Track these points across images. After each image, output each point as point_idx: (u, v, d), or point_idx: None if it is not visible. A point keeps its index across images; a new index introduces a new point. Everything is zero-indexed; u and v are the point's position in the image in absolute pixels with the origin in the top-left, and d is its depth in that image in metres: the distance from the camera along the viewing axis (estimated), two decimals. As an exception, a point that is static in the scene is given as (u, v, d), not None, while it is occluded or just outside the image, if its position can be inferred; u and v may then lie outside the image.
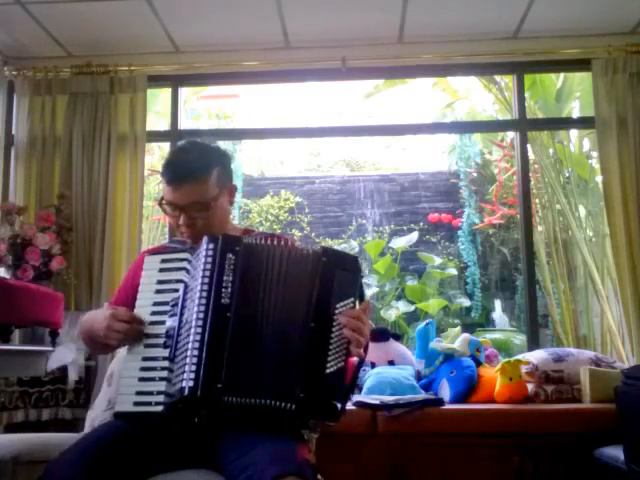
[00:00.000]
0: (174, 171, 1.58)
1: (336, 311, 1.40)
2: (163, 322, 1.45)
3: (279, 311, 1.40)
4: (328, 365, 1.36)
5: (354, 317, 1.40)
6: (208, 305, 1.36)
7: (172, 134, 3.53)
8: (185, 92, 3.92)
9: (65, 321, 2.86)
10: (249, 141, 6.20)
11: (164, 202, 1.61)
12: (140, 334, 1.44)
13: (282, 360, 1.37)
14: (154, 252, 1.60)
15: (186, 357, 1.33)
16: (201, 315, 1.35)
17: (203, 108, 6.26)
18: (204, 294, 1.37)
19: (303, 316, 1.39)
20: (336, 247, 5.50)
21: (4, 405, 2.58)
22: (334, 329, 1.39)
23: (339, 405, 1.37)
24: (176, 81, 3.51)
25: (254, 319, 1.39)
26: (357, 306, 1.46)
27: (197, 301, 1.37)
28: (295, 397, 1.34)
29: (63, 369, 2.73)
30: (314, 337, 1.37)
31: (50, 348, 2.57)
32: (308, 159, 7.06)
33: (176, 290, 1.46)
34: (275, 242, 1.45)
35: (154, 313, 1.47)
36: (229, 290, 1.38)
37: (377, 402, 2.47)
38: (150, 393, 1.39)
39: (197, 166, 1.57)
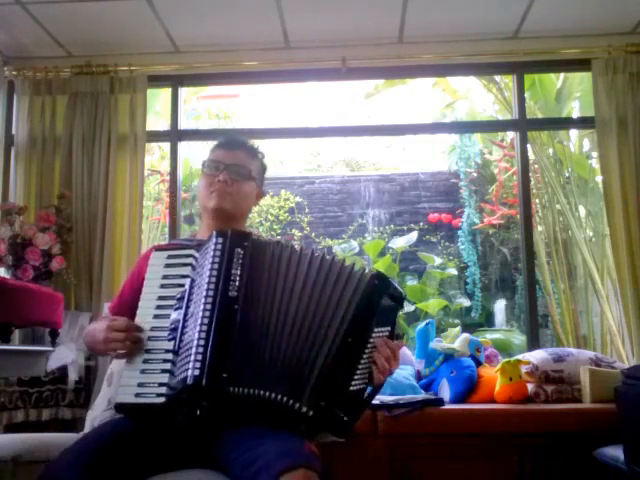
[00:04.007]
0: (232, 138, 1.83)
1: (373, 334, 1.41)
2: (168, 315, 1.45)
3: (301, 312, 1.40)
4: (353, 383, 1.38)
5: (390, 347, 1.42)
6: (215, 297, 1.36)
7: (172, 134, 3.53)
8: (185, 92, 3.92)
9: (65, 321, 2.87)
10: (249, 141, 6.19)
11: (208, 160, 1.76)
12: (140, 343, 1.43)
13: (305, 362, 1.37)
14: (161, 248, 1.61)
15: (191, 347, 1.33)
16: (208, 307, 1.35)
17: (203, 108, 6.26)
18: (212, 286, 1.37)
19: (340, 328, 1.39)
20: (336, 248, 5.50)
21: (4, 405, 2.58)
22: (367, 350, 1.40)
23: (351, 423, 1.38)
24: (176, 81, 3.51)
25: (263, 313, 1.39)
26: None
27: (204, 293, 1.37)
28: (315, 403, 1.34)
29: (63, 369, 2.73)
30: (348, 352, 1.38)
31: (50, 348, 2.57)
32: (308, 159, 7.05)
33: (181, 285, 1.47)
34: (284, 242, 1.47)
35: (159, 307, 1.47)
36: (237, 284, 1.38)
37: (377, 402, 2.47)
38: (152, 384, 1.38)
39: (250, 145, 1.83)
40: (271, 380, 1.35)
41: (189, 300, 1.43)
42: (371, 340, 1.41)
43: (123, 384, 1.42)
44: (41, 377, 2.68)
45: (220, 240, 1.42)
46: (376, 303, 1.42)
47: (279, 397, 1.34)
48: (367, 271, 1.45)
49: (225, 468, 1.39)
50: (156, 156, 5.30)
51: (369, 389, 1.44)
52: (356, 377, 1.38)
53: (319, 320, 1.40)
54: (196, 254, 1.49)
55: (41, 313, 2.21)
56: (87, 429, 2.08)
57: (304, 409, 1.34)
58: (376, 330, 1.42)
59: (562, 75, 4.30)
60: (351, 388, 1.37)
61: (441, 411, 2.48)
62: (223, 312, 1.35)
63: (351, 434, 1.40)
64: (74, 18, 3.12)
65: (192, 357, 1.31)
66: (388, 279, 1.46)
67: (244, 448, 1.35)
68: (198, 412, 1.37)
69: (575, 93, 4.33)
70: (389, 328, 1.46)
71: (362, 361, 1.39)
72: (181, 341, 1.39)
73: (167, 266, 1.52)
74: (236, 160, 1.73)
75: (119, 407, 1.41)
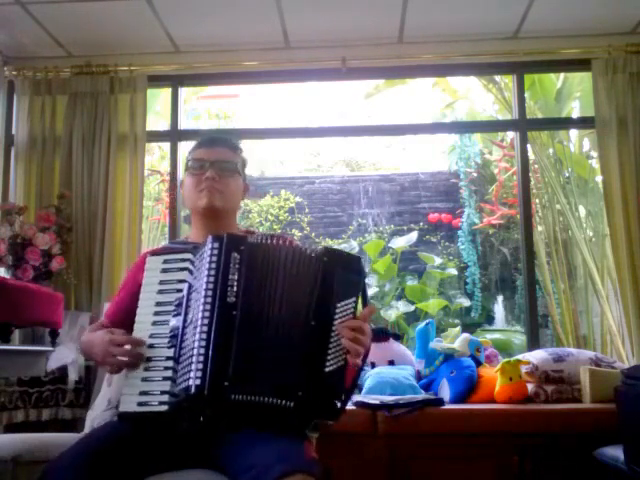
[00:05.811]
0: (211, 136, 1.81)
1: (337, 310, 1.40)
2: (167, 322, 1.44)
3: (283, 309, 1.39)
4: (328, 364, 1.36)
5: (353, 328, 1.39)
6: (214, 304, 1.35)
7: (172, 134, 3.54)
8: (185, 92, 3.92)
9: (65, 321, 2.86)
10: (249, 141, 6.19)
11: (191, 159, 1.74)
12: (138, 359, 1.42)
13: (284, 358, 1.37)
14: (156, 253, 1.59)
15: (192, 356, 1.32)
16: (207, 314, 1.35)
17: (203, 108, 6.26)
18: (210, 293, 1.36)
19: (304, 315, 1.38)
20: (336, 247, 5.51)
21: (4, 405, 2.58)
22: (334, 328, 1.38)
23: (338, 404, 1.36)
24: (176, 81, 3.51)
25: (260, 318, 1.38)
26: (359, 306, 1.45)
27: (202, 300, 1.36)
28: (294, 395, 1.33)
29: (63, 369, 2.73)
30: (314, 335, 1.37)
31: (50, 348, 2.57)
32: (308, 159, 7.04)
33: (179, 290, 1.46)
34: (280, 242, 1.45)
35: (157, 313, 1.47)
36: (235, 289, 1.37)
37: (377, 402, 2.47)
38: (154, 393, 1.38)
39: (230, 141, 1.80)
40: (263, 384, 1.34)
41: (187, 306, 1.42)
42: (336, 317, 1.39)
43: (125, 392, 1.41)
44: (41, 377, 2.68)
45: (216, 245, 1.40)
46: (330, 279, 1.40)
47: (270, 399, 1.34)
48: (318, 250, 1.43)
49: (224, 469, 1.39)
50: (156, 156, 5.30)
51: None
52: (329, 357, 1.36)
53: (296, 316, 1.39)
54: (193, 258, 1.48)
55: (41, 313, 2.21)
56: (87, 429, 2.08)
57: (287, 404, 1.33)
58: (339, 305, 1.40)
59: (562, 75, 4.30)
60: (327, 369, 1.36)
61: (441, 411, 2.48)
62: (222, 318, 1.35)
63: (341, 415, 1.38)
64: (74, 18, 3.12)
65: (193, 366, 1.31)
66: (337, 252, 1.45)
67: (244, 451, 1.35)
68: (201, 419, 1.37)
69: (575, 93, 4.33)
70: (353, 299, 1.43)
71: (332, 340, 1.37)
72: (181, 348, 1.39)
73: (164, 271, 1.51)
74: (220, 156, 1.71)
75: (123, 416, 1.41)
